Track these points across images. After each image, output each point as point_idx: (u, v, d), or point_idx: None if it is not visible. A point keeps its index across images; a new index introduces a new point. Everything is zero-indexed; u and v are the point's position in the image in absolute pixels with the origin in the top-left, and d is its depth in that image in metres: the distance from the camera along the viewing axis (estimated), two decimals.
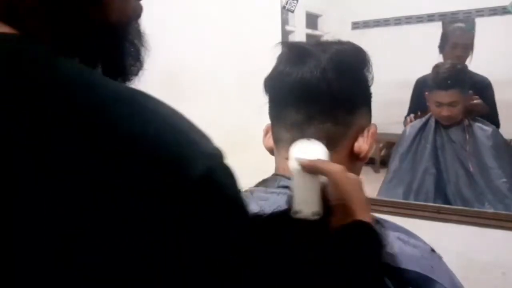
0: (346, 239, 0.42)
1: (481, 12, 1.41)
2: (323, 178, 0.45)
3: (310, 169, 0.45)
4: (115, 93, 0.28)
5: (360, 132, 0.54)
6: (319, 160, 0.46)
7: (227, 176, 0.28)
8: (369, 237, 0.43)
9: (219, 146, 0.29)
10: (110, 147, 0.24)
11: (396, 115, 1.45)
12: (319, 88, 0.51)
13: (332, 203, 0.44)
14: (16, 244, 0.23)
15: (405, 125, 1.41)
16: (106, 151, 0.24)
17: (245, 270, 0.28)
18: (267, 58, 0.55)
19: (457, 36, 1.35)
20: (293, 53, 0.53)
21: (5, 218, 0.23)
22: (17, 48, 0.27)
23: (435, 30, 1.40)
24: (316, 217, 0.43)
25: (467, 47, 1.32)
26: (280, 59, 0.54)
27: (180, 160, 0.26)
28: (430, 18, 1.46)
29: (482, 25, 1.38)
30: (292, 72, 0.52)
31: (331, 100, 0.51)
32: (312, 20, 1.48)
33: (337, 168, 0.45)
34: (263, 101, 0.57)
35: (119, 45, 0.34)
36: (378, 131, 0.55)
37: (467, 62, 1.32)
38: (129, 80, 0.36)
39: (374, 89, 0.56)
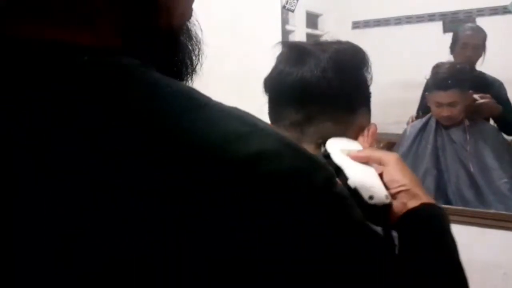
0: (425, 221, 0.42)
1: (481, 12, 1.41)
2: (374, 167, 0.46)
3: (364, 158, 0.46)
4: (221, 112, 0.27)
5: (360, 131, 0.54)
6: (370, 149, 0.48)
7: (337, 184, 0.28)
8: (445, 216, 0.43)
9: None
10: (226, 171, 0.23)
11: (396, 115, 1.45)
12: (319, 88, 0.50)
13: (393, 189, 0.43)
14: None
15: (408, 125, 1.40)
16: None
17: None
18: (267, 58, 0.55)
19: (467, 36, 1.34)
20: (292, 53, 0.53)
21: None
22: (104, 62, 0.26)
23: (436, 29, 1.40)
24: (390, 200, 0.42)
25: (478, 48, 1.30)
26: (280, 58, 0.54)
27: (300, 172, 0.25)
28: (431, 17, 1.46)
29: (482, 24, 1.37)
30: (292, 72, 0.51)
31: (331, 99, 0.51)
32: (312, 19, 1.48)
33: (394, 156, 0.46)
34: (263, 101, 0.56)
35: (180, 49, 0.34)
36: (379, 131, 0.55)
37: (478, 63, 1.30)
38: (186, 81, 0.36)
39: (374, 89, 0.56)
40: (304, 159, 0.26)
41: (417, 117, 1.40)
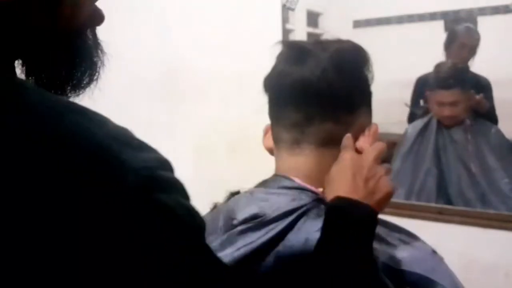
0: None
1: (483, 11, 1.41)
2: None
3: None
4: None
5: (361, 131, 0.53)
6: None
7: (163, 188, 0.28)
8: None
9: (162, 159, 0.29)
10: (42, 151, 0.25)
11: (397, 115, 1.45)
12: (319, 87, 0.50)
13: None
14: None
15: (408, 121, 1.41)
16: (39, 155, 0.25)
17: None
18: (267, 57, 0.55)
19: (466, 37, 1.35)
20: (292, 53, 0.53)
21: None
22: None
23: (437, 28, 1.40)
24: None
25: (474, 49, 1.32)
26: (280, 58, 0.54)
27: (115, 169, 0.26)
28: (432, 16, 1.46)
29: (484, 23, 1.37)
30: (292, 72, 0.51)
31: (331, 99, 0.51)
32: (313, 18, 1.48)
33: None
34: (263, 100, 0.56)
35: (68, 55, 0.32)
36: (380, 130, 0.54)
37: (468, 63, 1.32)
38: (78, 93, 0.35)
39: (375, 89, 0.56)
40: (122, 156, 0.27)
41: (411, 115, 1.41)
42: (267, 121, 0.58)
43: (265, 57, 0.54)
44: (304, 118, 0.52)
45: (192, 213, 0.30)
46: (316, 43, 0.55)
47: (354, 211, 0.44)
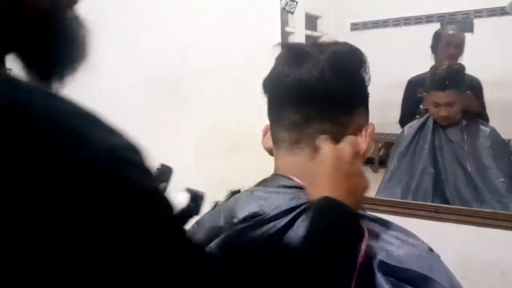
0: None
1: (479, 13, 1.42)
2: None
3: None
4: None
5: (358, 131, 0.54)
6: None
7: (128, 167, 0.28)
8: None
9: (130, 142, 0.29)
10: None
11: (394, 116, 1.46)
12: (317, 88, 0.51)
13: None
14: None
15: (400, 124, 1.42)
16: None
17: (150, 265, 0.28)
18: (267, 59, 0.56)
19: (450, 36, 1.38)
20: (291, 54, 0.54)
21: None
22: None
23: (434, 31, 1.41)
24: None
25: (459, 46, 1.34)
26: (279, 60, 0.55)
27: (81, 145, 0.26)
28: (429, 19, 1.47)
29: (480, 25, 1.38)
30: (291, 73, 0.52)
31: (329, 100, 0.52)
32: (311, 21, 1.49)
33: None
34: (263, 101, 0.57)
35: (45, 35, 0.31)
36: (377, 131, 0.55)
37: (458, 61, 1.33)
38: (64, 72, 0.34)
39: (373, 90, 0.57)
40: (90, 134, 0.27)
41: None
42: (266, 121, 0.59)
43: (264, 59, 0.55)
44: (303, 119, 0.52)
45: (157, 193, 0.30)
46: (314, 45, 0.55)
47: (339, 215, 0.45)
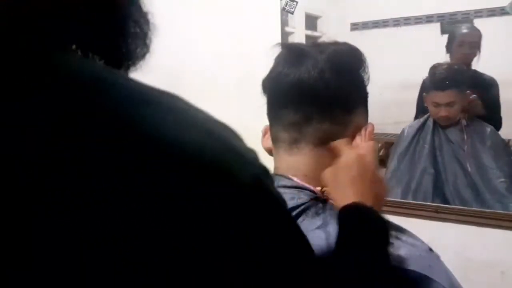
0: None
1: (479, 13, 1.42)
2: None
3: None
4: (139, 93, 0.26)
5: (357, 131, 0.54)
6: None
7: (271, 182, 0.28)
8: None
9: (255, 151, 0.28)
10: (133, 155, 0.23)
11: (394, 116, 1.46)
12: (316, 88, 0.51)
13: None
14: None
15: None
16: (130, 160, 0.22)
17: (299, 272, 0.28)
18: (266, 59, 0.56)
19: (463, 34, 1.36)
20: (290, 54, 0.54)
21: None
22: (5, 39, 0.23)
23: (434, 31, 1.41)
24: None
25: (474, 46, 1.32)
26: (278, 60, 0.55)
27: (229, 168, 0.25)
28: (429, 19, 1.47)
29: (480, 26, 1.38)
30: (290, 73, 0.52)
31: (328, 100, 0.52)
32: (311, 21, 1.49)
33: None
34: (262, 101, 0.57)
35: (123, 25, 0.31)
36: (377, 131, 0.55)
37: (474, 61, 1.32)
38: (135, 64, 0.33)
39: (372, 90, 0.57)
40: (232, 154, 0.26)
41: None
42: (266, 121, 0.59)
43: (264, 59, 0.55)
44: (302, 118, 0.52)
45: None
46: (313, 45, 0.56)
47: (371, 221, 0.45)
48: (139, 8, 0.32)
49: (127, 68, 0.32)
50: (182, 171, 0.23)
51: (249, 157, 0.27)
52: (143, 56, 0.33)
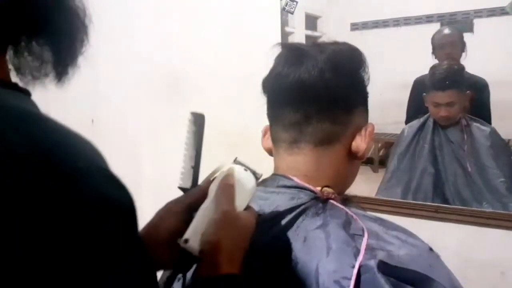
0: None
1: (479, 13, 1.42)
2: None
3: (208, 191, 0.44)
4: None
5: (357, 131, 0.54)
6: (223, 192, 0.43)
7: (115, 187, 0.29)
8: None
9: (102, 160, 0.29)
10: None
11: (394, 116, 1.46)
12: (316, 88, 0.51)
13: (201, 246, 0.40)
14: None
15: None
16: None
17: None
18: (267, 59, 0.56)
19: (441, 37, 1.38)
20: (290, 54, 0.54)
21: None
22: None
23: (434, 31, 1.41)
24: (184, 244, 0.40)
25: (455, 44, 1.34)
26: (278, 60, 0.55)
27: (68, 173, 0.26)
28: (429, 19, 1.47)
29: (480, 26, 1.38)
30: (290, 73, 0.52)
31: (328, 99, 0.52)
32: (311, 21, 1.49)
33: (222, 208, 0.41)
34: (262, 101, 0.57)
35: (59, 7, 0.32)
36: (377, 131, 0.56)
37: (462, 60, 1.33)
38: (79, 52, 0.34)
39: (373, 90, 0.57)
40: (74, 158, 0.27)
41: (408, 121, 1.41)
42: (266, 122, 0.59)
43: (264, 59, 0.55)
44: (302, 118, 0.53)
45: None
46: (313, 45, 0.56)
47: None
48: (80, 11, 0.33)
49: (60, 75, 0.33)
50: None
51: (92, 164, 0.28)
52: (82, 44, 0.33)
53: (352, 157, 0.55)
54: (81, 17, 0.33)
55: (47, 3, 0.31)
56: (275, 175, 0.56)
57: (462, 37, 1.34)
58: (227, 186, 0.44)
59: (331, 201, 0.52)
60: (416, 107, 1.40)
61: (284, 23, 1.31)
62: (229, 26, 1.34)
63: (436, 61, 1.37)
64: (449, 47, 1.35)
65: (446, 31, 1.39)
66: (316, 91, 0.51)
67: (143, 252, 0.31)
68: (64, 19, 0.32)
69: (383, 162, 1.52)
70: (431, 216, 1.17)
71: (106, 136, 1.12)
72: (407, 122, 1.42)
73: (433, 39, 1.38)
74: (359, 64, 0.55)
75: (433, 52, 1.37)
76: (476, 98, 1.30)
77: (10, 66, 0.33)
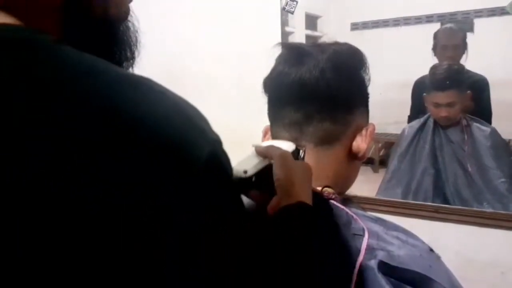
0: (283, 219, 0.42)
1: (479, 13, 1.42)
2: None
3: (262, 153, 0.47)
4: (119, 77, 0.30)
5: (358, 131, 0.54)
6: (270, 146, 0.48)
7: (227, 161, 0.32)
8: (301, 219, 0.42)
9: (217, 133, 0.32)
10: (112, 132, 0.26)
11: (395, 116, 1.46)
12: (317, 87, 0.51)
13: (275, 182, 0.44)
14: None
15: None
16: (109, 137, 0.26)
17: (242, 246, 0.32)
18: (267, 59, 0.56)
19: (445, 38, 1.37)
20: (291, 54, 0.54)
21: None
22: (20, 36, 0.29)
23: (434, 31, 1.41)
24: (245, 175, 0.44)
25: (458, 47, 1.33)
26: (279, 59, 0.55)
27: (188, 144, 0.28)
28: (429, 19, 1.47)
29: (480, 25, 1.39)
30: (291, 73, 0.52)
31: (329, 99, 0.52)
32: (311, 21, 1.49)
33: (278, 152, 0.46)
34: (263, 101, 0.57)
35: (115, 39, 0.36)
36: (377, 131, 0.55)
37: (462, 61, 1.33)
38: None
39: (373, 90, 0.57)
40: (194, 131, 0.29)
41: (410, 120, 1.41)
42: (266, 121, 0.59)
43: (264, 59, 0.55)
44: (303, 118, 0.52)
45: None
46: (314, 45, 0.56)
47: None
48: (128, 28, 0.38)
49: None
50: (147, 146, 0.27)
51: (211, 136, 0.31)
52: (129, 66, 0.38)
53: (353, 157, 0.55)
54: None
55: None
56: None
57: (465, 38, 1.33)
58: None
59: (332, 201, 0.52)
60: (417, 109, 1.39)
61: (284, 23, 1.31)
62: (229, 26, 1.34)
63: (435, 58, 1.36)
64: (451, 50, 1.34)
65: (450, 32, 1.38)
66: (317, 91, 0.51)
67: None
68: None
69: (383, 162, 1.52)
70: (431, 216, 1.17)
71: None
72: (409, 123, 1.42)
73: (436, 37, 1.37)
74: (360, 65, 0.55)
75: (433, 49, 1.37)
76: (476, 98, 1.30)
77: None
